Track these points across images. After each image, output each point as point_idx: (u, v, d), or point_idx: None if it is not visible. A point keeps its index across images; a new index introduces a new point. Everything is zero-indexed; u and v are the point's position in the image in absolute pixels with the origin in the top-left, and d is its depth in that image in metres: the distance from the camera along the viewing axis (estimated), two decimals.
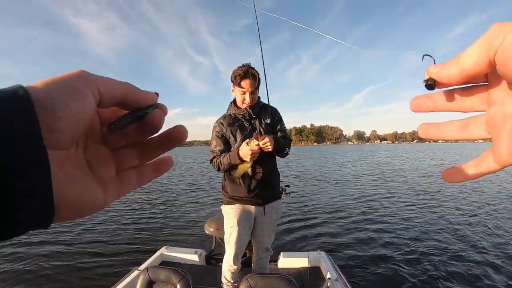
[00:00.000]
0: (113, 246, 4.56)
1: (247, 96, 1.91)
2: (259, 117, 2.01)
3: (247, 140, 1.75)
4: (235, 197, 2.01)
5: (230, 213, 2.01)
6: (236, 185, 1.99)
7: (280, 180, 2.18)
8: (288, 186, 2.43)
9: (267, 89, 2.01)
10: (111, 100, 0.22)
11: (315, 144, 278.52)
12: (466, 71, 0.22)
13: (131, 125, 0.24)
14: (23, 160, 0.16)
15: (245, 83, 1.88)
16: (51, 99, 0.17)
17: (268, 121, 2.01)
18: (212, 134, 2.06)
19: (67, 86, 0.19)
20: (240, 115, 1.99)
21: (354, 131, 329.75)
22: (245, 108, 1.97)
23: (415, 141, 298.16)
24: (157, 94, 0.25)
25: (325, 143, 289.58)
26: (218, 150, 2.00)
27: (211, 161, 2.03)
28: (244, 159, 1.77)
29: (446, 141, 0.29)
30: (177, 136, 0.26)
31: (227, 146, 2.00)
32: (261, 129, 1.97)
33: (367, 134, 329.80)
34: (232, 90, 2.02)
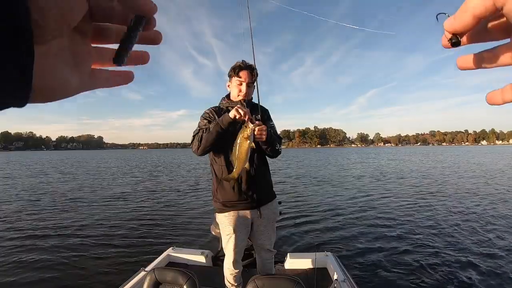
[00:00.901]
0: (119, 247, 4.57)
1: (243, 87, 1.91)
2: (251, 112, 1.90)
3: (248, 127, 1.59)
4: (227, 203, 1.94)
5: (225, 222, 1.95)
6: (227, 190, 1.92)
7: (280, 190, 2.12)
8: (280, 202, 2.34)
9: (257, 87, 1.99)
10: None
11: (318, 146, 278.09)
12: (477, 16, 0.23)
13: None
14: (10, 46, 0.17)
15: (243, 73, 1.90)
16: None
17: (258, 117, 1.93)
18: (201, 117, 1.96)
19: None
20: (232, 108, 1.87)
21: (358, 133, 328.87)
22: (239, 101, 1.94)
23: (418, 143, 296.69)
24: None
25: (328, 146, 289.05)
26: (203, 127, 1.86)
27: (194, 136, 1.86)
28: (231, 115, 1.67)
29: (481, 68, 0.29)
30: (143, 58, 0.30)
31: None
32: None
33: (371, 136, 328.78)
34: (228, 86, 2.02)
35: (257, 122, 1.68)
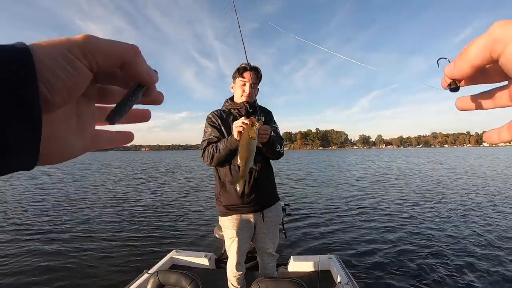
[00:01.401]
0: (123, 249, 4.58)
1: (247, 87, 1.92)
2: (254, 114, 1.96)
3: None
4: (230, 206, 1.93)
5: (228, 225, 1.95)
6: (230, 193, 1.91)
7: (283, 192, 2.11)
8: (288, 205, 2.31)
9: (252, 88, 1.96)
10: (109, 70, 0.24)
11: (320, 148, 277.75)
12: (474, 66, 0.25)
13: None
14: (19, 117, 0.18)
15: (247, 74, 1.90)
16: (50, 72, 0.19)
17: (262, 119, 1.93)
18: (206, 123, 1.96)
19: (68, 60, 0.20)
20: (235, 110, 1.96)
21: (360, 135, 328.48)
22: (242, 102, 1.95)
23: (420, 145, 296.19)
24: (156, 72, 0.27)
25: (330, 148, 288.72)
26: (214, 136, 1.88)
27: (204, 149, 1.87)
28: (235, 129, 1.59)
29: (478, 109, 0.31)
30: (143, 117, 0.32)
31: (223, 135, 1.89)
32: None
33: (373, 138, 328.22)
34: (232, 87, 2.03)
35: (259, 122, 1.63)
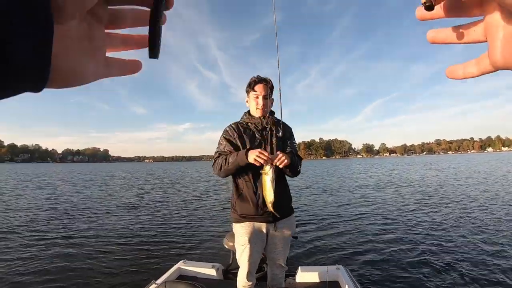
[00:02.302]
0: (130, 259, 4.58)
1: (260, 100, 1.97)
2: (271, 129, 2.01)
3: (264, 169, 1.73)
4: (244, 215, 1.97)
5: (241, 232, 1.97)
6: (246, 202, 1.95)
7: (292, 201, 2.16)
8: (296, 226, 2.31)
9: (281, 104, 2.08)
10: None
11: (324, 158, 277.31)
12: None
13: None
14: (29, 23, 0.17)
15: (259, 87, 1.97)
16: None
17: (280, 134, 2.02)
18: (221, 136, 2.04)
19: None
20: (252, 124, 2.02)
21: (363, 144, 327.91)
22: (259, 117, 2.01)
23: (424, 153, 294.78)
24: None
25: (334, 157, 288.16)
26: (227, 149, 1.97)
27: (215, 160, 1.98)
28: (250, 160, 1.74)
29: (448, 44, 0.30)
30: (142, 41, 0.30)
31: (234, 149, 1.96)
32: (273, 141, 1.96)
33: (376, 147, 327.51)
34: (247, 101, 2.09)
35: (278, 153, 1.77)
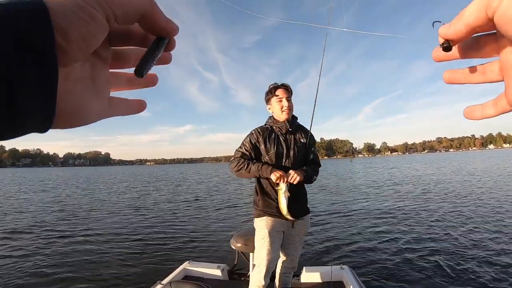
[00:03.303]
0: (136, 260, 4.61)
1: (284, 102, 2.06)
2: (294, 133, 2.14)
3: (280, 186, 1.91)
4: (266, 210, 2.06)
5: (261, 225, 2.05)
6: (268, 200, 2.06)
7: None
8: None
9: (313, 113, 2.29)
10: (125, 23, 0.23)
11: (325, 157, 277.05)
12: (469, 25, 0.24)
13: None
14: (35, 67, 0.18)
15: (280, 91, 2.07)
16: (66, 22, 0.19)
17: (303, 140, 2.14)
18: (247, 137, 2.14)
19: (82, 9, 0.20)
20: (277, 128, 2.11)
21: (365, 143, 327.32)
22: (283, 120, 2.09)
23: (426, 151, 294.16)
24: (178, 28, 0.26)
25: (335, 157, 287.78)
26: (248, 152, 2.09)
27: (235, 158, 2.11)
28: (272, 177, 1.91)
29: (467, 84, 0.30)
30: (150, 83, 0.32)
31: (255, 155, 2.10)
32: (295, 148, 2.10)
33: (378, 146, 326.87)
34: (269, 108, 2.18)
35: (291, 172, 1.92)
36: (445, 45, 0.27)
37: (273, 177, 1.89)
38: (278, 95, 2.07)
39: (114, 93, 0.29)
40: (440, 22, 0.28)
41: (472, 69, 0.30)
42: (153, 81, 0.32)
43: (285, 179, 1.89)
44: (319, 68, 2.46)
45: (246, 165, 2.01)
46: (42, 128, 0.20)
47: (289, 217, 1.94)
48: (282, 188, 1.90)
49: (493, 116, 0.29)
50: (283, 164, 2.06)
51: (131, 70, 0.27)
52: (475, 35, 0.26)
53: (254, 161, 2.05)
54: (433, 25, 0.30)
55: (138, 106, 0.32)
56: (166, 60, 0.29)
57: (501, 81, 0.27)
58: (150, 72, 0.27)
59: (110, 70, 0.28)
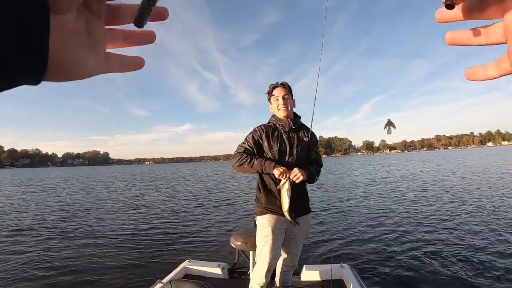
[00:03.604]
0: (136, 259, 4.62)
1: (280, 100, 2.11)
2: (297, 132, 2.17)
3: (282, 182, 1.92)
4: (268, 208, 2.07)
5: (264, 223, 2.06)
6: (271, 197, 2.08)
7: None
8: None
9: (313, 113, 2.25)
10: None
11: (324, 156, 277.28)
12: None
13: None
14: (25, 11, 0.17)
15: (276, 90, 2.14)
16: None
17: (306, 139, 2.17)
18: (250, 134, 2.16)
19: None
20: (280, 125, 2.14)
21: (363, 141, 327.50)
22: (285, 118, 2.13)
23: (424, 148, 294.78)
24: None
25: (334, 155, 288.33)
26: (251, 147, 2.10)
27: (239, 154, 2.11)
28: (275, 173, 1.93)
29: (467, 45, 0.30)
30: (147, 39, 0.31)
31: (257, 151, 2.12)
32: (299, 146, 2.12)
33: (376, 144, 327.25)
34: (271, 108, 2.23)
35: (295, 170, 1.93)
36: (448, 3, 0.27)
37: (276, 172, 1.90)
38: (274, 94, 2.13)
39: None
40: None
41: (475, 30, 0.29)
42: (150, 37, 0.31)
43: (288, 175, 1.90)
44: (319, 66, 2.46)
45: (249, 160, 2.02)
46: (33, 78, 0.20)
47: (287, 215, 1.95)
48: (286, 186, 1.91)
49: (495, 78, 0.29)
50: (286, 161, 2.07)
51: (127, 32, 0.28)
52: None
53: (257, 156, 2.06)
54: None
55: (136, 63, 0.31)
56: (163, 16, 0.29)
57: (504, 43, 0.27)
58: (149, 28, 0.27)
59: (106, 27, 0.28)
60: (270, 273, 2.09)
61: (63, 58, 0.22)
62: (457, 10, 0.29)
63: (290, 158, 2.08)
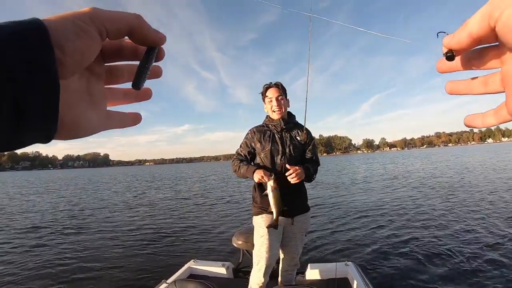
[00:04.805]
0: (141, 259, 4.63)
1: (274, 102, 2.10)
2: (290, 131, 2.15)
3: (271, 178, 1.89)
4: (264, 207, 2.05)
5: (260, 223, 2.06)
6: (266, 198, 2.03)
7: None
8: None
9: (305, 111, 2.24)
10: (116, 37, 0.25)
11: (324, 154, 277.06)
12: (472, 35, 0.25)
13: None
14: (38, 80, 0.19)
15: (270, 91, 2.12)
16: (63, 37, 0.21)
17: (299, 138, 2.13)
18: (244, 138, 2.22)
19: (76, 25, 0.22)
20: (272, 126, 2.14)
21: (363, 139, 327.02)
22: (278, 119, 2.12)
23: (424, 146, 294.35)
24: (165, 37, 0.28)
25: (334, 153, 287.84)
26: (242, 153, 2.20)
27: (233, 159, 2.23)
28: (255, 179, 1.97)
29: (465, 94, 0.31)
30: (144, 97, 0.34)
31: (250, 155, 2.18)
32: (291, 145, 2.10)
33: (376, 142, 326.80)
34: (265, 108, 2.22)
35: (290, 170, 1.90)
36: (448, 55, 0.28)
37: (256, 177, 1.93)
38: (268, 96, 2.13)
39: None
40: (445, 32, 0.29)
41: (474, 80, 0.30)
42: (147, 95, 0.34)
43: (267, 179, 1.88)
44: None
45: (238, 167, 2.10)
46: (44, 137, 0.22)
47: (275, 215, 1.92)
48: (268, 188, 1.91)
49: (494, 125, 0.30)
50: (279, 161, 2.07)
51: (125, 87, 0.30)
52: (478, 46, 0.27)
53: (245, 162, 2.13)
54: (437, 35, 0.30)
55: (134, 119, 0.34)
56: (158, 74, 0.32)
57: (502, 92, 0.28)
58: (144, 86, 0.29)
59: (106, 86, 0.30)
60: (269, 272, 2.08)
61: (68, 118, 0.23)
62: (457, 61, 0.30)
63: (283, 158, 2.07)
